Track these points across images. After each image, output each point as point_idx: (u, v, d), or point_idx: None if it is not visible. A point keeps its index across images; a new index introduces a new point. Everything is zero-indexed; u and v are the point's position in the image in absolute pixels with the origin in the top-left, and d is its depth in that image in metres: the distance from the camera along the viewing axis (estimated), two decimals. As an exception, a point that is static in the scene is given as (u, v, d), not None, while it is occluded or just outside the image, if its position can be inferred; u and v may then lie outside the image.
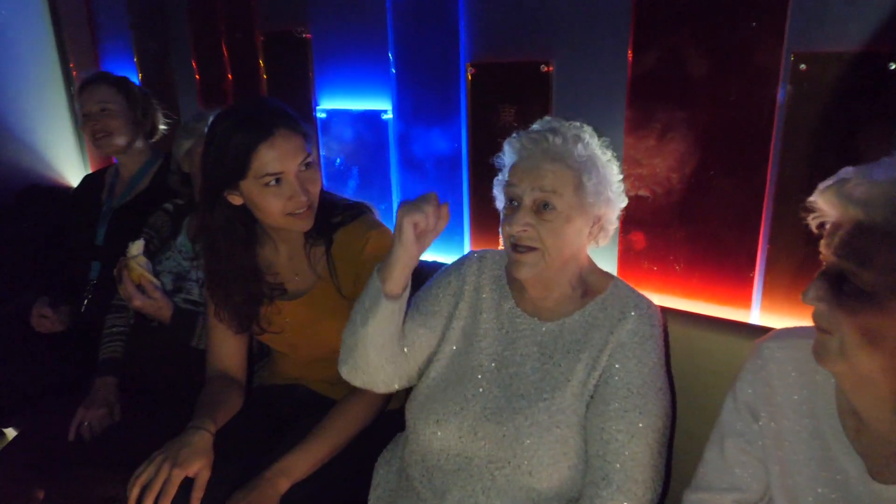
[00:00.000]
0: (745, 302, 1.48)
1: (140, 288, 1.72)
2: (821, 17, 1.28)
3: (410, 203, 1.15)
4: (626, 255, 1.63)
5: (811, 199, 0.90)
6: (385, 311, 1.19)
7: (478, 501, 1.18)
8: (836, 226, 0.85)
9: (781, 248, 1.41)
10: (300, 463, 1.37)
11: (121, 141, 2.18)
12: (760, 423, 1.03)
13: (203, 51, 2.59)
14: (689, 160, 1.48)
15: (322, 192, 1.48)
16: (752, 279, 1.46)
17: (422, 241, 1.16)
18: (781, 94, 1.34)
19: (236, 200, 1.41)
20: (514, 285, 1.31)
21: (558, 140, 1.17)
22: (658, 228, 1.57)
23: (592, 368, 1.18)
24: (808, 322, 1.28)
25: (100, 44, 3.04)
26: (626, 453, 1.10)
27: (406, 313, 1.28)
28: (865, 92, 1.25)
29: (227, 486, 1.35)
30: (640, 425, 1.12)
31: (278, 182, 1.35)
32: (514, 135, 1.24)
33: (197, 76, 2.64)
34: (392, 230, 1.53)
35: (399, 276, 1.18)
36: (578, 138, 1.19)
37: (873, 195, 0.79)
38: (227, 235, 1.45)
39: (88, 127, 2.19)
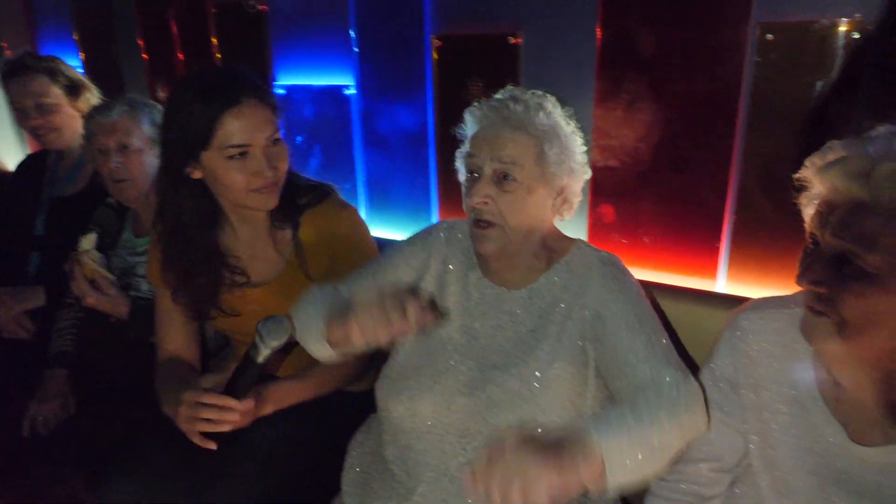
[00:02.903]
0: (712, 272, 1.51)
1: (93, 284, 1.65)
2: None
3: (373, 304, 1.03)
4: (596, 228, 1.64)
5: (802, 174, 0.87)
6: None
7: (452, 478, 1.16)
8: (831, 204, 0.82)
9: (747, 219, 1.44)
10: (291, 392, 1.39)
11: (67, 133, 2.05)
12: (741, 395, 1.02)
13: (150, 27, 2.45)
14: (658, 132, 1.49)
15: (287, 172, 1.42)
16: (718, 249, 1.49)
17: (374, 341, 1.05)
18: (749, 65, 1.36)
19: (196, 174, 1.34)
20: (482, 256, 1.28)
21: (519, 108, 1.15)
22: (627, 201, 1.58)
23: (563, 327, 1.17)
24: (774, 291, 1.32)
25: (35, 21, 2.84)
26: (651, 360, 1.07)
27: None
28: (832, 61, 1.27)
29: (201, 479, 1.32)
30: (645, 339, 1.10)
31: (243, 156, 1.29)
32: (474, 104, 1.21)
33: (144, 55, 2.50)
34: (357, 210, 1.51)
35: (336, 340, 1.13)
36: (540, 107, 1.16)
37: (879, 173, 0.76)
38: (193, 214, 1.38)
39: (25, 122, 2.03)
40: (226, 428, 1.22)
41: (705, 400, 1.05)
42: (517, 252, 1.22)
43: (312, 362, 1.45)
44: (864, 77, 1.23)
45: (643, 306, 1.15)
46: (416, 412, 1.19)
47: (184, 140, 1.28)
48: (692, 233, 1.51)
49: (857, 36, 1.23)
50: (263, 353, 1.21)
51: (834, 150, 0.83)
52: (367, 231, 1.52)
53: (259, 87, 1.32)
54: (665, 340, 1.12)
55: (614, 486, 0.91)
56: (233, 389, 1.24)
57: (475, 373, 1.19)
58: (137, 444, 1.40)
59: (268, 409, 1.34)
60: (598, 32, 1.51)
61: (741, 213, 1.44)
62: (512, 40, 1.63)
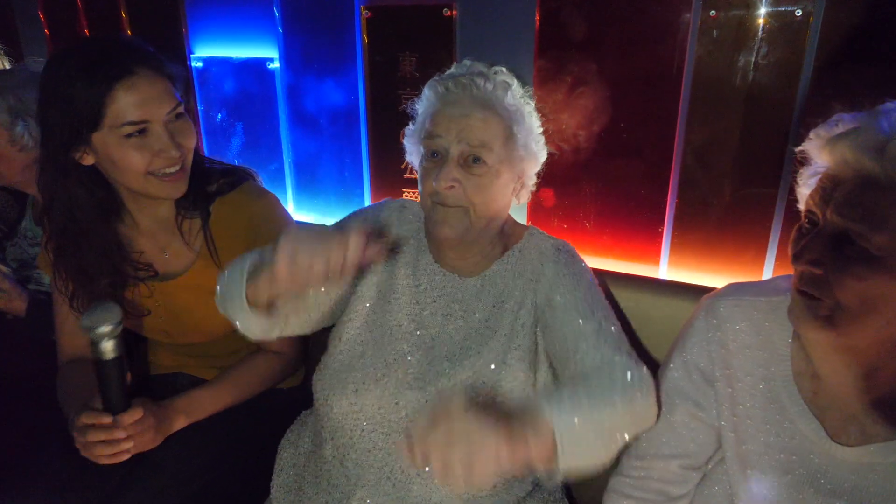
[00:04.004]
0: (655, 258, 1.47)
1: None
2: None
3: (305, 231, 0.90)
4: (536, 213, 1.58)
5: (804, 146, 0.80)
6: (250, 317, 1.01)
7: (396, 482, 1.10)
8: (836, 179, 0.76)
9: (689, 203, 1.40)
10: (204, 402, 1.28)
11: None
12: (715, 387, 0.96)
13: (52, -1, 2.21)
14: (600, 113, 1.43)
15: (195, 154, 1.29)
16: (660, 234, 1.45)
17: (305, 278, 0.88)
18: (691, 45, 1.30)
19: (87, 160, 1.18)
20: (434, 240, 1.21)
21: (489, 86, 1.07)
22: (568, 185, 1.52)
23: (517, 315, 1.12)
24: (715, 277, 1.28)
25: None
26: (602, 347, 1.02)
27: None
28: (774, 37, 1.23)
29: (105, 492, 1.22)
30: (596, 326, 1.05)
31: (142, 133, 1.15)
32: (435, 77, 1.12)
33: (46, 30, 2.27)
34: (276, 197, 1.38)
35: (261, 294, 0.98)
36: (507, 85, 1.10)
37: (893, 148, 0.71)
38: (87, 207, 1.23)
39: None
40: (125, 447, 1.11)
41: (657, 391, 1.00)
42: (476, 239, 1.16)
43: (229, 366, 1.35)
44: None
45: (595, 294, 1.11)
46: (360, 407, 1.11)
47: (68, 121, 1.13)
48: (634, 218, 1.47)
49: (798, 14, 1.19)
50: (106, 346, 1.06)
51: (843, 123, 0.77)
52: (288, 221, 1.40)
53: (152, 55, 1.18)
54: (616, 328, 1.07)
55: (564, 468, 0.84)
56: (108, 402, 1.11)
57: (424, 365, 1.13)
58: (35, 454, 1.29)
59: (179, 424, 1.24)
60: (538, 4, 1.43)
61: (683, 197, 1.40)
62: (447, 12, 1.53)
